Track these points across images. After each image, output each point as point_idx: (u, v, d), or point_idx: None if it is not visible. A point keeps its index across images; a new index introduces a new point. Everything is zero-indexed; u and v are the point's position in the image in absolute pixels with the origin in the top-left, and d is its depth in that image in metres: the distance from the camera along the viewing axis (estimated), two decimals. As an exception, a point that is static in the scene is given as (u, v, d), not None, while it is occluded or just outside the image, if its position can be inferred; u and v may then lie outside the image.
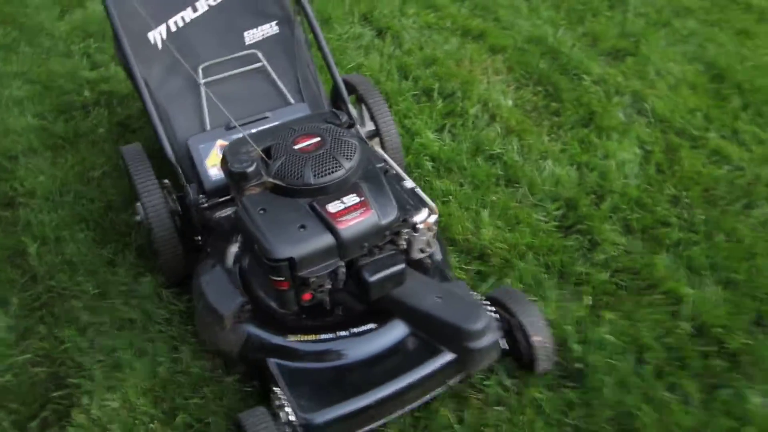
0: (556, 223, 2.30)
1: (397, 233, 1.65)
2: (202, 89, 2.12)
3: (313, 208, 1.57)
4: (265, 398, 1.69)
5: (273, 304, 1.74)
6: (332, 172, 1.60)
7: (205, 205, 1.94)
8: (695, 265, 2.12)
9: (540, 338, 1.73)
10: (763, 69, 3.02)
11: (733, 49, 3.17)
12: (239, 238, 1.90)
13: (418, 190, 1.75)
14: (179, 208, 2.01)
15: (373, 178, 1.67)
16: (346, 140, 1.69)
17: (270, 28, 2.30)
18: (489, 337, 1.67)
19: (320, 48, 2.23)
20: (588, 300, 2.00)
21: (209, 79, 2.14)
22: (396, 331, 1.71)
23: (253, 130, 2.01)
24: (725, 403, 1.73)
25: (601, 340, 1.87)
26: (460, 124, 2.75)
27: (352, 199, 1.59)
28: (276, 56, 2.26)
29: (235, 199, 1.70)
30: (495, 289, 1.89)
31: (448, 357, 1.68)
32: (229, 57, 2.19)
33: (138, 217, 2.12)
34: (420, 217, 1.66)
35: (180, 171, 1.95)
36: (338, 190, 1.60)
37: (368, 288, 1.60)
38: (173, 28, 2.20)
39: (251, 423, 1.50)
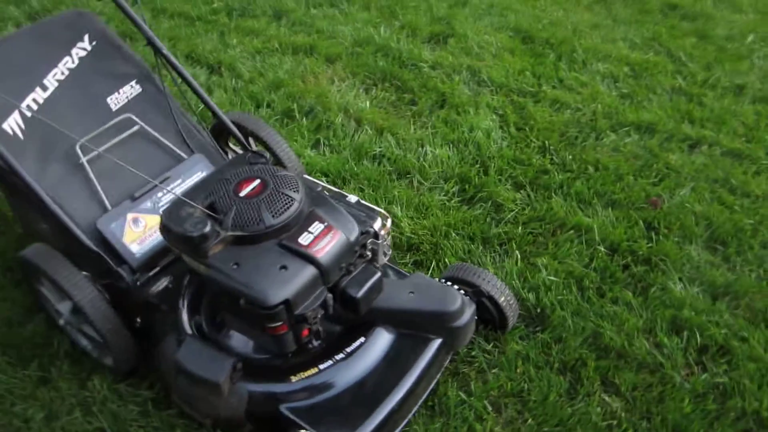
0: (458, 199, 2.50)
1: (363, 245, 1.70)
2: (88, 168, 1.96)
3: (284, 247, 1.56)
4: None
5: (258, 355, 1.70)
6: (288, 207, 1.60)
7: (139, 283, 1.82)
8: (583, 198, 2.45)
9: (504, 298, 1.90)
10: (558, 24, 3.52)
11: (528, 12, 3.64)
12: (186, 304, 1.82)
13: (363, 202, 1.81)
14: (108, 296, 1.85)
15: (323, 203, 1.69)
16: (285, 174, 1.70)
17: (132, 89, 2.18)
18: (467, 313, 1.80)
19: (196, 92, 2.18)
20: (517, 254, 2.22)
21: (91, 155, 1.98)
22: (384, 337, 1.77)
23: (159, 194, 1.94)
24: (658, 298, 2.05)
25: (545, 283, 2.10)
26: (333, 136, 2.84)
27: (317, 227, 1.60)
28: (150, 115, 2.15)
29: (190, 263, 1.62)
30: (446, 270, 2.01)
31: (437, 342, 1.79)
32: (103, 128, 2.04)
33: (62, 321, 1.91)
34: (377, 225, 1.73)
35: (104, 256, 1.79)
36: (299, 223, 1.61)
37: (357, 304, 1.63)
38: (29, 113, 1.99)
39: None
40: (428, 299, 1.80)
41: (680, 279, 2.12)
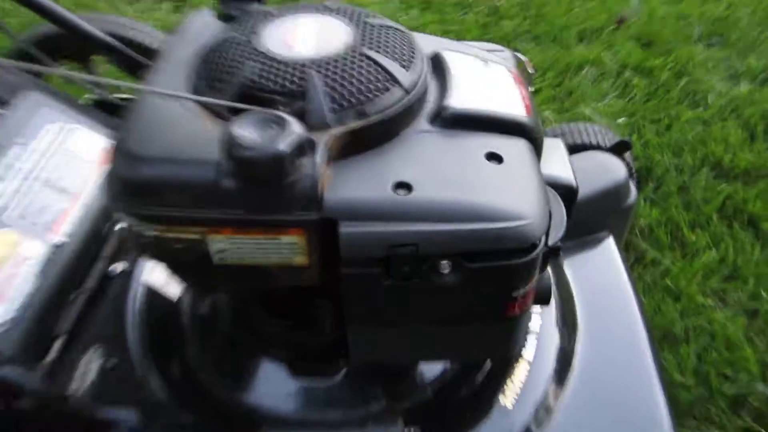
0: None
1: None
2: None
3: (455, 122, 0.65)
4: None
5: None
6: (411, 46, 0.69)
7: None
8: (559, 40, 1.93)
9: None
10: None
11: None
12: None
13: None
14: None
15: (434, 40, 0.84)
16: (347, 6, 0.78)
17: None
18: (632, 184, 1.15)
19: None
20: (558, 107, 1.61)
21: None
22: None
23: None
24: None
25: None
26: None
27: (484, 72, 0.74)
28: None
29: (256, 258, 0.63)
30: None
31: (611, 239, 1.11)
32: None
33: None
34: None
35: None
36: (431, 75, 0.75)
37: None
38: None
39: None
40: (588, 176, 1.08)
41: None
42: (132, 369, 0.82)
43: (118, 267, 0.92)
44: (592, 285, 1.01)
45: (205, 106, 0.58)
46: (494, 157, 0.62)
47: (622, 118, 1.59)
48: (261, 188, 0.53)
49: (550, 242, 0.64)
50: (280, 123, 0.52)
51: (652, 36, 1.93)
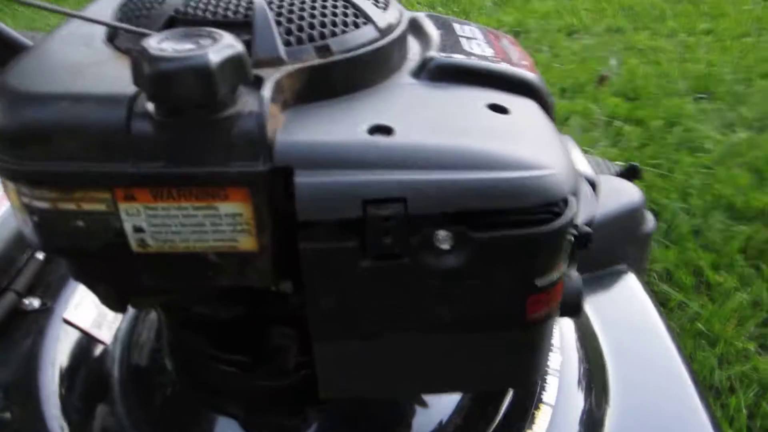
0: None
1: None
2: None
3: (447, 72, 0.53)
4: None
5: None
6: None
7: None
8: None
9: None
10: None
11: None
12: None
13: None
14: None
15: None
16: None
17: None
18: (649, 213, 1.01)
19: None
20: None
21: None
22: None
23: None
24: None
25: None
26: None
27: (467, 30, 0.62)
28: None
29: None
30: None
31: (631, 275, 0.93)
32: None
33: None
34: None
35: None
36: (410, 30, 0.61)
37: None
38: None
39: None
40: (600, 200, 0.94)
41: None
42: (40, 425, 0.62)
43: (34, 302, 0.74)
44: (617, 322, 0.83)
45: (122, 50, 0.43)
46: (498, 109, 0.46)
47: (620, 162, 1.48)
48: (186, 126, 0.37)
49: (580, 221, 0.48)
50: (212, 36, 0.37)
51: (636, 91, 1.88)
